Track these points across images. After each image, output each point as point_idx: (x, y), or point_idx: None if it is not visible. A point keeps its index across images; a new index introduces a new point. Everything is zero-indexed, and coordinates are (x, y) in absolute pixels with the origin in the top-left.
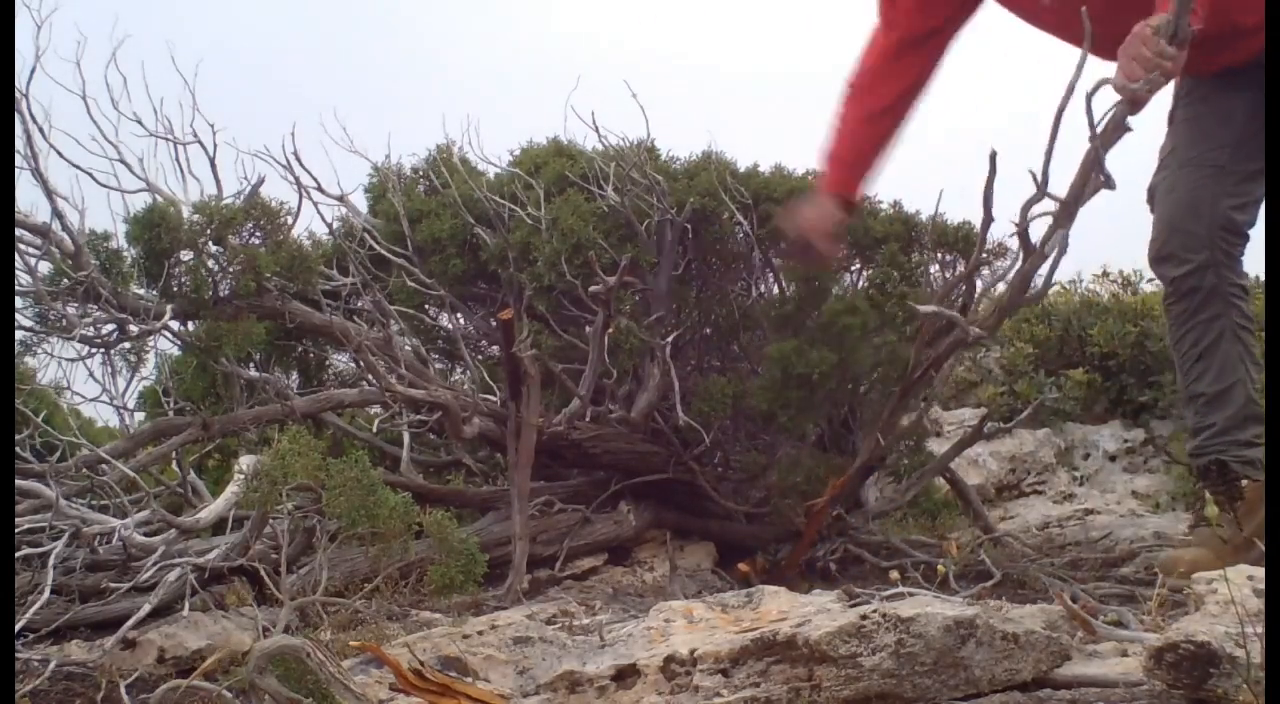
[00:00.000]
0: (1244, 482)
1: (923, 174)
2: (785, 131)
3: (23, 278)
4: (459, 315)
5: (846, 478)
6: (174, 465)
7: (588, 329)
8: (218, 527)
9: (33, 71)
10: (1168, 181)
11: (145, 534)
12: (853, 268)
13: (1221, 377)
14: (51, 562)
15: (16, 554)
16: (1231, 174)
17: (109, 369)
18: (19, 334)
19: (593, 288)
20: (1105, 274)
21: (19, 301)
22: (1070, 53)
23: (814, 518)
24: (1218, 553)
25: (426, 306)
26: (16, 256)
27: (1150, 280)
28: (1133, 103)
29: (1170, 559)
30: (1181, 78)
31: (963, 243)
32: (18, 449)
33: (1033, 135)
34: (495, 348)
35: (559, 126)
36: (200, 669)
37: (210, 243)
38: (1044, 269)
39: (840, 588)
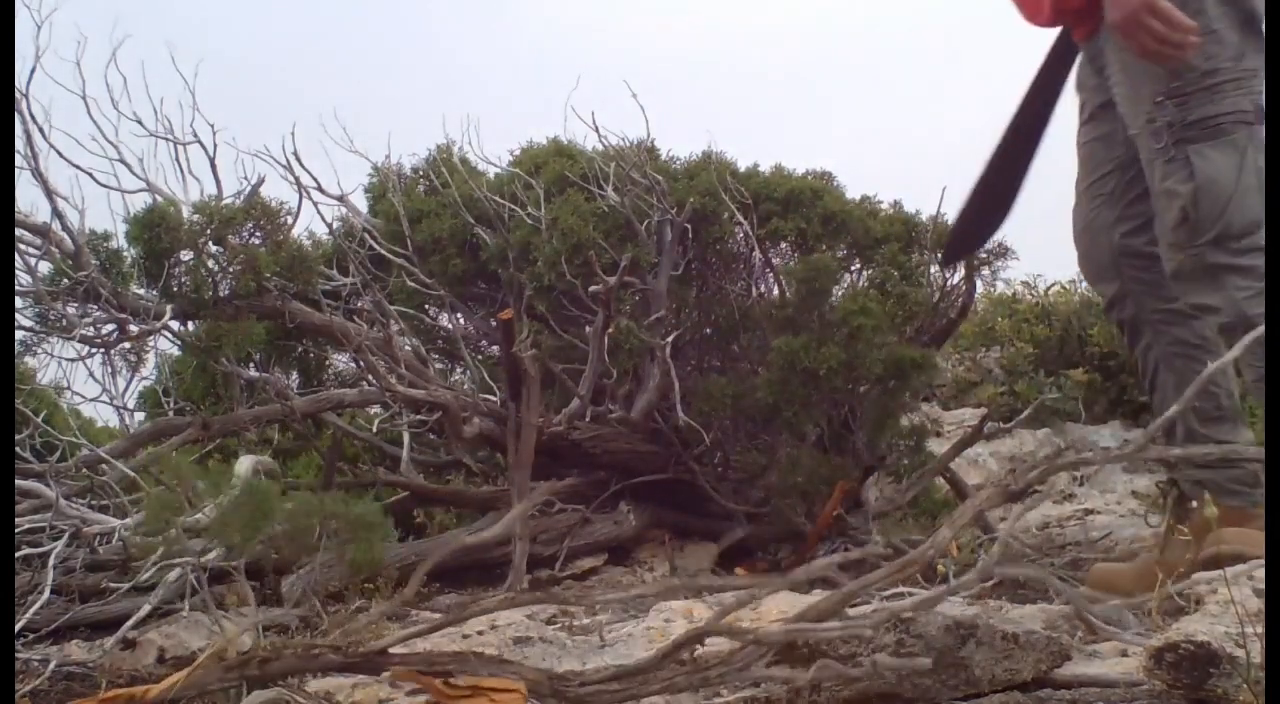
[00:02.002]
0: (1193, 503)
1: (923, 174)
2: (785, 132)
3: (23, 278)
4: (459, 315)
5: (850, 485)
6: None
7: (588, 329)
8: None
9: (33, 71)
10: (1074, 215)
11: (145, 534)
12: (853, 268)
13: (1162, 406)
14: (51, 562)
15: (16, 554)
16: (1121, 198)
17: (109, 369)
18: (19, 334)
19: (593, 288)
20: None
21: (19, 301)
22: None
23: (820, 522)
24: (1142, 575)
25: (426, 306)
26: (16, 256)
27: None
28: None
29: (1101, 574)
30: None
31: None
32: (18, 449)
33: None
34: (495, 348)
35: (559, 126)
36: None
37: (210, 243)
38: None
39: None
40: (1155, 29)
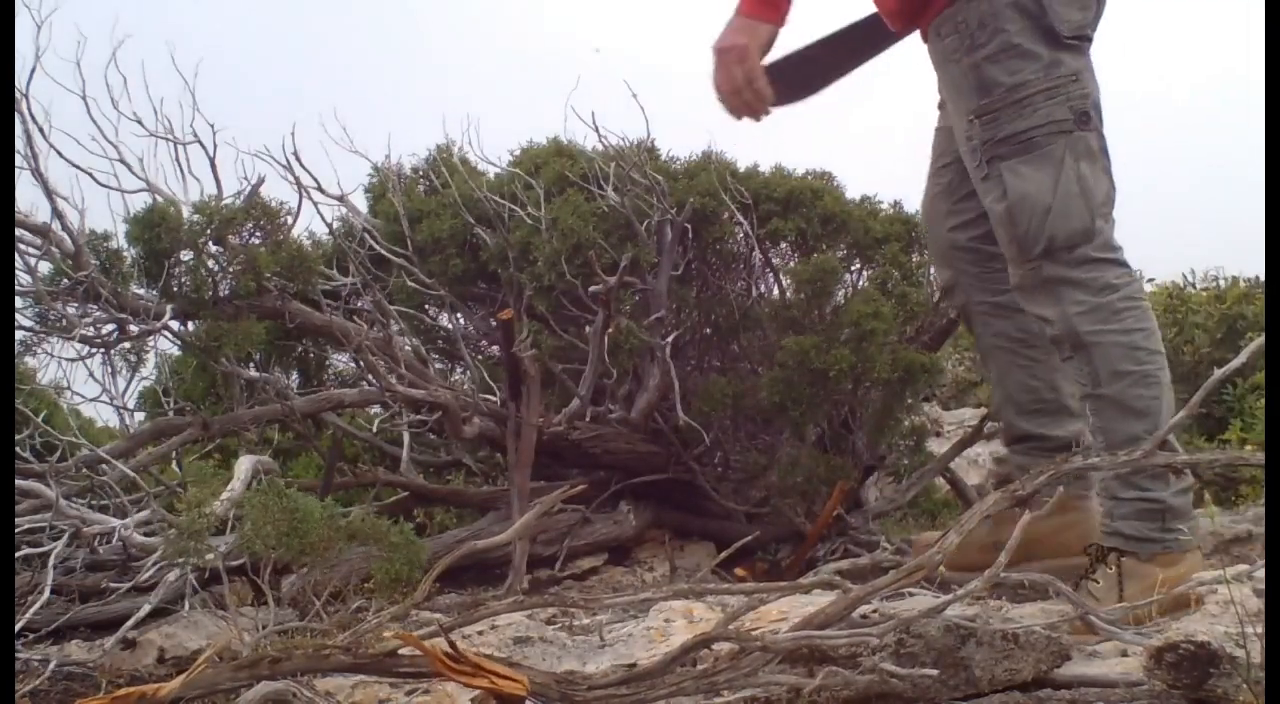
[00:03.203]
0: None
1: (923, 174)
2: (785, 131)
3: (23, 278)
4: (459, 315)
5: (849, 485)
6: (174, 465)
7: (588, 329)
8: (217, 526)
9: (33, 71)
10: (922, 199)
11: (145, 534)
12: (853, 268)
13: (995, 396)
14: (51, 562)
15: (16, 554)
16: (955, 192)
17: (109, 369)
18: (19, 334)
19: (593, 288)
20: None
21: (19, 301)
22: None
23: (820, 522)
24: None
25: (426, 306)
26: (16, 256)
27: (1150, 280)
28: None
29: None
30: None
31: None
32: (18, 449)
33: None
34: (495, 348)
35: (559, 126)
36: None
37: (210, 243)
38: None
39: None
40: (734, 76)
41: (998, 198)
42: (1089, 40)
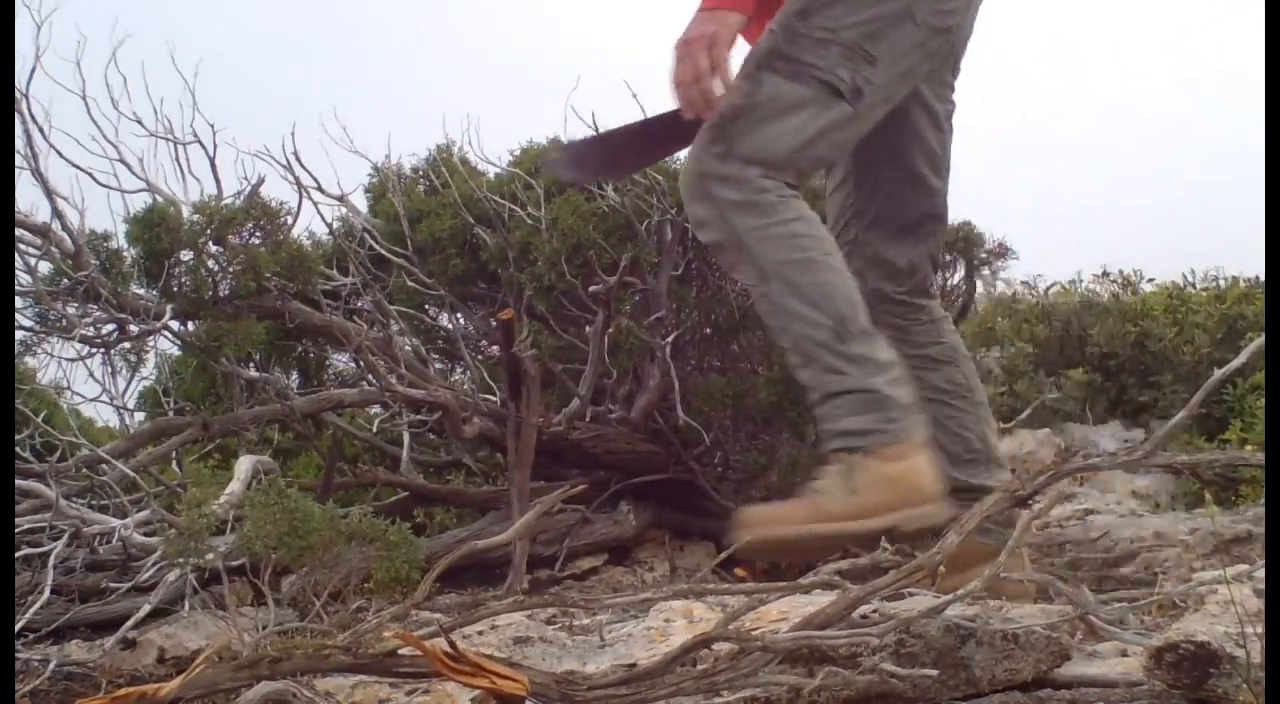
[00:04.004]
0: None
1: None
2: None
3: (23, 278)
4: (459, 315)
5: None
6: (174, 465)
7: (588, 329)
8: (217, 526)
9: (33, 71)
10: None
11: (145, 534)
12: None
13: None
14: (51, 562)
15: (16, 554)
16: (864, 247)
17: (109, 369)
18: (19, 334)
19: (593, 288)
20: (1105, 274)
21: (19, 301)
22: (1075, 53)
23: None
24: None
25: (426, 306)
26: (16, 256)
27: (1150, 280)
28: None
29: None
30: None
31: (962, 243)
32: (18, 449)
33: (1036, 136)
34: (495, 348)
35: (559, 126)
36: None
37: (210, 243)
38: None
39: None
40: (699, 64)
41: (747, 93)
42: None
